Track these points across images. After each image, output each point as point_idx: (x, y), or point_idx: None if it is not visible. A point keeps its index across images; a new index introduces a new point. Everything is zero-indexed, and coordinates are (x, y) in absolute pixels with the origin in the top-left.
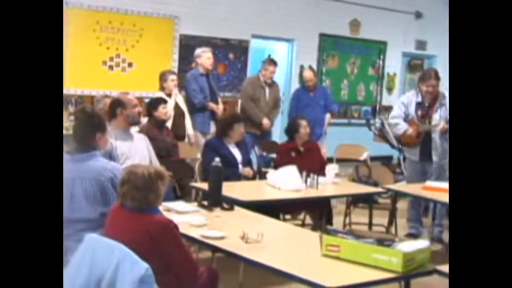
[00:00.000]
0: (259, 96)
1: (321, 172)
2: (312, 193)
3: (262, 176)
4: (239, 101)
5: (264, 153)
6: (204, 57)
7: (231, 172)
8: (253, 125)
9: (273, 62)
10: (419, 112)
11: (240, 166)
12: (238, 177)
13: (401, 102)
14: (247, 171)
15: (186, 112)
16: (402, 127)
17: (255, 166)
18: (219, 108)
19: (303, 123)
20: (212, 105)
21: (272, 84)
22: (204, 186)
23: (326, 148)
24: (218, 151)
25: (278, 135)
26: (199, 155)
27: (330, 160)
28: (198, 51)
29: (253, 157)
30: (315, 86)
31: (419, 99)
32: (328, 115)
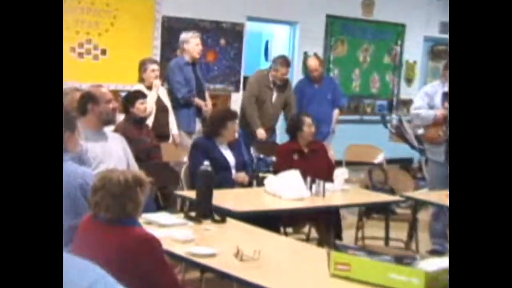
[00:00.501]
0: (265, 98)
1: (328, 177)
2: (318, 202)
3: (260, 182)
4: (232, 95)
5: (262, 156)
6: (192, 43)
7: (223, 177)
8: (249, 124)
9: (286, 63)
10: (446, 104)
11: (233, 170)
12: (231, 183)
13: (424, 92)
14: (241, 176)
15: (169, 107)
16: (430, 114)
17: (251, 171)
18: (207, 105)
19: (307, 120)
20: (198, 101)
21: (283, 86)
22: (192, 194)
23: (334, 150)
24: (207, 153)
25: (278, 135)
26: (185, 158)
27: (338, 163)
28: (184, 36)
29: (249, 160)
30: (321, 77)
31: (446, 88)
32: (336, 111)
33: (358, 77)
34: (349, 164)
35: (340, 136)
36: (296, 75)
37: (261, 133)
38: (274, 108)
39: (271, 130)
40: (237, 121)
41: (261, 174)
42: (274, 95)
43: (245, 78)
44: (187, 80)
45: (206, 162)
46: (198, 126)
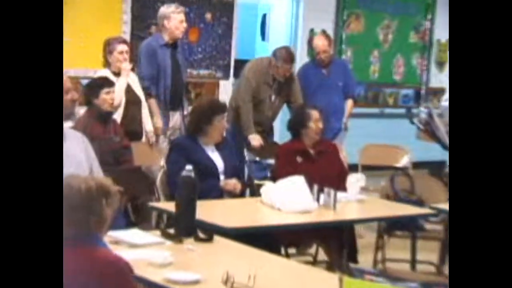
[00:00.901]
0: (264, 97)
1: (340, 185)
2: (328, 216)
3: (255, 191)
4: (221, 83)
5: (258, 158)
6: (175, 20)
7: (209, 185)
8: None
9: (289, 58)
10: None
11: (221, 177)
12: (219, 193)
13: None
14: (232, 184)
15: (142, 99)
16: None
17: (244, 177)
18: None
19: (314, 114)
20: (152, 102)
21: (285, 83)
22: (170, 206)
23: (347, 150)
24: (190, 155)
25: (278, 132)
26: (162, 162)
27: (353, 167)
28: (164, 10)
29: (241, 164)
30: (331, 60)
31: None
32: (349, 102)
33: (377, 60)
34: (366, 168)
35: (354, 134)
36: (300, 58)
37: (255, 139)
38: (273, 108)
39: (267, 132)
40: (225, 116)
41: (256, 181)
42: (274, 94)
43: (237, 62)
44: (161, 68)
45: (188, 167)
46: (174, 122)
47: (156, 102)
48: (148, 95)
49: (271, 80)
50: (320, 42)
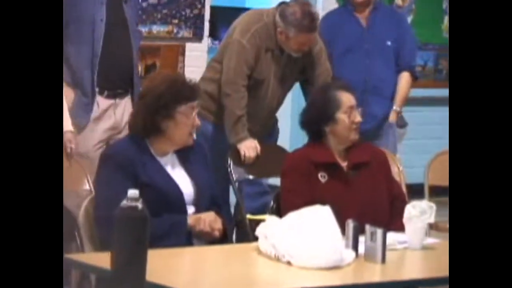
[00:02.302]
0: (265, 75)
1: (393, 221)
2: (372, 274)
3: (248, 232)
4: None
5: (251, 176)
6: None
7: (168, 223)
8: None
9: (310, 23)
10: None
11: (190, 208)
12: (186, 236)
13: None
14: (207, 221)
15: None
16: None
17: (229, 208)
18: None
19: (347, 98)
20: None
21: (302, 56)
22: (102, 259)
23: (406, 162)
24: (135, 172)
25: (285, 131)
26: (87, 185)
27: (416, 190)
28: None
29: (223, 186)
30: (373, 3)
31: None
32: (404, 77)
33: None
34: (438, 191)
35: (417, 133)
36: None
37: (249, 148)
38: (278, 94)
39: (267, 132)
40: (196, 105)
41: (249, 216)
42: (281, 72)
43: (216, 13)
44: (84, 27)
45: (133, 192)
46: (118, 115)
47: (71, 86)
48: None
49: (277, 49)
50: None
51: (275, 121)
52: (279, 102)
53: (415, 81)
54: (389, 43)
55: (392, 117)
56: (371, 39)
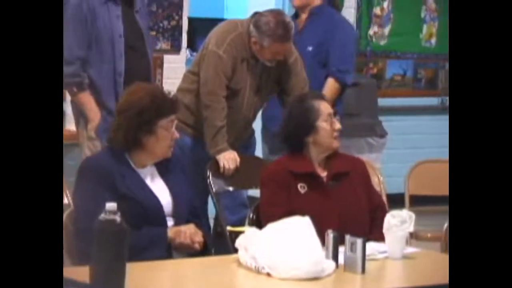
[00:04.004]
0: (241, 85)
1: (373, 231)
2: (353, 284)
3: (228, 244)
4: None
5: (231, 188)
6: None
7: (148, 236)
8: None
9: (284, 34)
10: None
11: (169, 220)
12: (165, 248)
13: None
14: (188, 233)
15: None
16: None
17: (208, 221)
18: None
19: (324, 107)
20: (83, 97)
21: (277, 66)
22: (80, 274)
23: (387, 171)
24: (114, 185)
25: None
26: (65, 199)
27: (396, 200)
28: None
29: (203, 199)
30: (309, 10)
31: None
32: (329, 83)
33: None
34: (419, 201)
35: (397, 143)
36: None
37: (229, 160)
38: (254, 104)
39: (244, 143)
40: (175, 119)
41: (229, 227)
42: (257, 82)
43: (192, 22)
44: (103, 40)
45: (111, 205)
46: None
47: (92, 96)
48: (76, 86)
49: (252, 59)
50: None
51: (251, 132)
52: (255, 113)
53: (343, 87)
54: (310, 48)
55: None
56: (298, 45)
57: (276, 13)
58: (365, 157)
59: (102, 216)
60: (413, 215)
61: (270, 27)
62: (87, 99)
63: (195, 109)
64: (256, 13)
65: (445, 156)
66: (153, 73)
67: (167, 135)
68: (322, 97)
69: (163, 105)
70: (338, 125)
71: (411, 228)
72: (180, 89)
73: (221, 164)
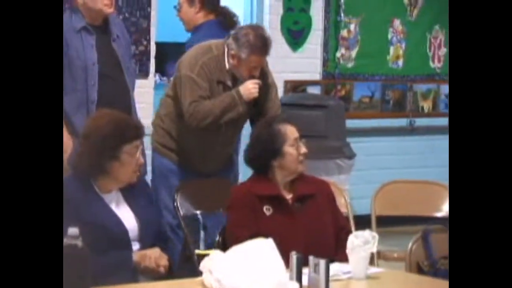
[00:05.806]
0: None
1: (337, 252)
2: None
3: (192, 267)
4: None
5: (199, 212)
6: None
7: (113, 261)
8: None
9: (263, 45)
10: None
11: (135, 245)
12: (131, 273)
13: None
14: (153, 258)
15: None
16: None
17: (174, 245)
18: None
19: (291, 131)
20: None
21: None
22: None
23: (353, 193)
24: (78, 210)
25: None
26: None
27: (362, 221)
28: None
29: (169, 222)
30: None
31: None
32: None
33: (401, 38)
34: (384, 221)
35: (364, 164)
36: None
37: (249, 88)
38: (233, 127)
39: (223, 165)
40: (141, 144)
41: (197, 251)
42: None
43: (160, 47)
44: (77, 69)
45: (73, 230)
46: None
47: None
48: None
49: (228, 80)
50: None
51: (231, 154)
52: (233, 135)
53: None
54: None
55: None
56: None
57: (256, 27)
58: (334, 178)
59: (64, 241)
60: (376, 236)
61: (249, 39)
62: None
63: (175, 134)
64: (235, 31)
65: (412, 176)
66: (134, 103)
67: (132, 160)
68: (288, 121)
69: (127, 130)
70: (304, 149)
71: (374, 249)
72: (158, 115)
73: (249, 86)
